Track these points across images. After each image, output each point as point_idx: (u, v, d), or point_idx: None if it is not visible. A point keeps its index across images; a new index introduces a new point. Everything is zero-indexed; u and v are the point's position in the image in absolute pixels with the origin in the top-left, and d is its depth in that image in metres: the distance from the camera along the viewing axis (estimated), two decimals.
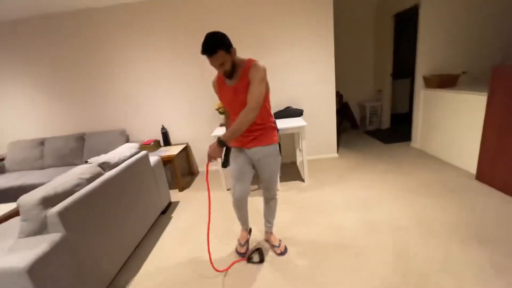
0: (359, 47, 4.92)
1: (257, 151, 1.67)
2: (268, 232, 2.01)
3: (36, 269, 1.19)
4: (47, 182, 2.87)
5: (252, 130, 1.62)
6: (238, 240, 1.99)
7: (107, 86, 3.56)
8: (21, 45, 3.44)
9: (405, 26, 4.68)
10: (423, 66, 3.49)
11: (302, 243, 2.01)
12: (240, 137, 1.65)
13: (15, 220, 1.91)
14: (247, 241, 1.98)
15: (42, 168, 3.48)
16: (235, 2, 3.17)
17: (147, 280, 1.81)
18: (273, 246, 1.96)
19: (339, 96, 4.93)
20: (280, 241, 1.97)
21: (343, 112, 5.03)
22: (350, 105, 5.13)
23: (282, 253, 1.90)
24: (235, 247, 2.03)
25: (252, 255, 1.93)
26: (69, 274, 1.38)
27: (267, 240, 2.04)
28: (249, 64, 1.47)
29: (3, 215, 2.12)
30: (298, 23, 3.32)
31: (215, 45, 1.34)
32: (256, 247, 2.00)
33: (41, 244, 1.28)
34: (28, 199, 1.36)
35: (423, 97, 3.51)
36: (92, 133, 3.57)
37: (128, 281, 1.81)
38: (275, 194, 1.88)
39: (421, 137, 3.65)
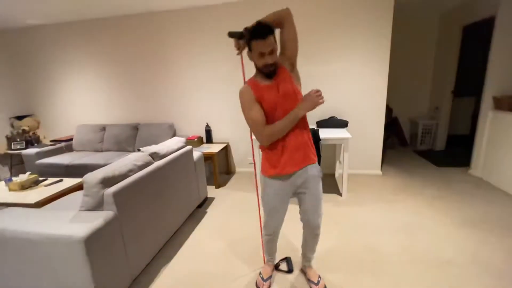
0: (417, 59, 4.57)
1: (301, 173, 1.43)
2: (306, 266, 1.76)
3: (91, 240, 1.35)
4: (104, 163, 3.23)
5: (301, 141, 1.38)
6: (260, 273, 1.76)
7: (162, 83, 3.88)
8: (93, 42, 3.93)
9: (474, 41, 4.22)
10: (494, 85, 3.11)
11: (335, 260, 1.93)
12: (291, 152, 1.38)
13: (78, 194, 2.18)
14: (270, 277, 1.75)
15: (101, 150, 3.92)
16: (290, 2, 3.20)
17: (180, 267, 1.91)
18: (309, 282, 1.70)
19: (388, 109, 4.63)
20: (319, 277, 1.69)
21: (391, 127, 4.71)
22: (400, 120, 4.78)
23: None
24: (257, 273, 1.82)
25: (280, 262, 1.92)
26: (116, 249, 1.54)
27: (303, 272, 1.80)
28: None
29: (69, 187, 2.44)
30: (353, 32, 3.22)
31: (269, 27, 1.25)
32: (285, 256, 1.98)
33: (97, 219, 1.45)
34: (92, 177, 1.54)
35: (490, 119, 3.12)
36: (145, 124, 3.92)
37: (163, 265, 1.94)
38: (319, 228, 1.56)
39: (484, 165, 3.23)
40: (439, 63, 4.42)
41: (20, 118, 4.29)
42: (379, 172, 3.57)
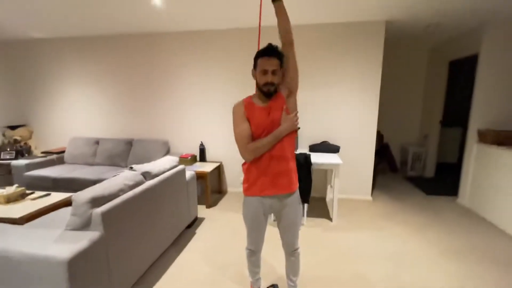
0: (407, 89, 4.77)
1: (281, 199, 1.47)
2: None
3: (74, 262, 1.32)
4: (95, 178, 3.19)
5: (284, 169, 1.43)
6: None
7: (158, 100, 3.94)
8: (92, 57, 4.02)
9: (460, 74, 4.46)
10: (478, 118, 3.25)
11: (321, 286, 1.91)
12: (274, 177, 1.43)
13: (65, 210, 2.14)
14: None
15: (93, 164, 3.88)
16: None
17: None
18: None
19: (379, 136, 4.76)
20: None
21: (382, 153, 4.81)
22: (391, 147, 4.90)
23: None
24: None
25: None
26: (100, 272, 1.50)
27: None
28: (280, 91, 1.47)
29: (56, 202, 2.40)
30: (346, 61, 3.38)
31: (277, 50, 1.36)
32: (272, 283, 1.95)
33: (83, 240, 1.43)
34: (81, 196, 1.54)
35: (475, 151, 3.23)
36: (139, 139, 3.92)
37: None
38: (297, 245, 1.62)
39: (471, 194, 3.31)
40: (428, 94, 4.62)
41: (13, 128, 4.26)
42: (369, 197, 3.61)
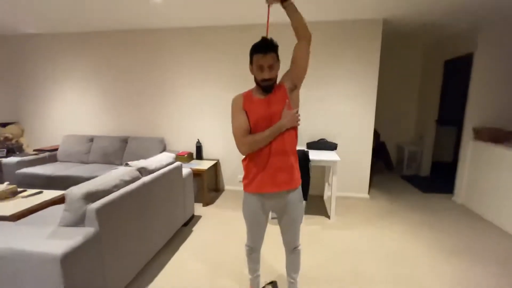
0: (403, 88, 4.81)
1: (282, 196, 1.43)
2: None
3: (68, 258, 1.28)
4: (89, 176, 3.13)
5: (284, 164, 1.38)
6: None
7: (154, 97, 3.89)
8: (88, 53, 3.95)
9: (455, 74, 4.49)
10: (473, 116, 3.28)
11: (320, 284, 1.89)
12: (274, 173, 1.38)
13: (59, 207, 2.09)
14: None
15: (87, 162, 3.80)
16: (276, 29, 3.35)
17: None
18: None
19: (376, 134, 4.77)
20: None
21: (379, 151, 4.83)
22: (387, 145, 4.93)
23: None
24: None
25: (266, 286, 1.86)
26: (94, 269, 1.46)
27: None
28: (280, 83, 1.44)
29: (49, 200, 2.34)
30: (344, 58, 3.38)
31: (272, 44, 1.32)
32: (271, 280, 1.92)
33: (77, 236, 1.38)
34: (75, 192, 1.49)
35: (471, 149, 3.26)
36: (134, 137, 3.86)
37: (144, 287, 1.85)
38: (298, 243, 1.60)
39: (466, 192, 3.33)
40: (424, 93, 4.65)
41: (3, 125, 4.15)
42: (366, 195, 3.61)
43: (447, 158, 5.16)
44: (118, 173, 1.85)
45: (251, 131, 1.38)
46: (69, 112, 4.19)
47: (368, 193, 3.64)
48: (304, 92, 3.45)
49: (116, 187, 1.74)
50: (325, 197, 3.59)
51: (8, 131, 4.09)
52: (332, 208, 2.90)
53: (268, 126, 1.35)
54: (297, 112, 1.39)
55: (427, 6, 2.78)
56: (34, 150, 3.97)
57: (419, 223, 2.85)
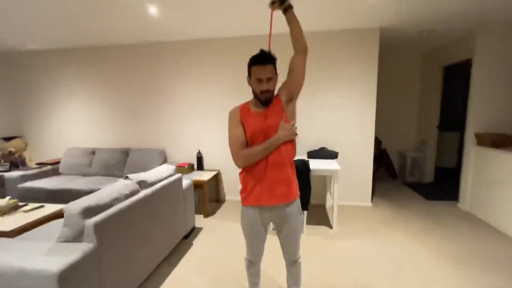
0: (403, 95, 4.81)
1: (281, 209, 1.41)
2: None
3: (65, 275, 1.27)
4: (90, 188, 3.14)
5: (281, 177, 1.37)
6: None
7: (155, 109, 3.93)
8: (87, 68, 4.04)
9: (455, 79, 4.50)
10: (475, 122, 3.26)
11: None
12: (271, 186, 1.36)
13: (59, 222, 2.08)
14: None
15: (88, 175, 3.82)
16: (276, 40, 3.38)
17: None
18: None
19: (377, 142, 4.75)
20: None
21: (381, 159, 4.80)
22: (389, 152, 4.89)
23: None
24: None
25: None
26: (93, 283, 1.44)
27: None
28: (276, 95, 1.45)
29: (50, 214, 2.34)
30: (342, 67, 3.41)
31: (271, 56, 1.33)
32: None
33: (74, 252, 1.37)
34: (73, 207, 1.49)
35: (474, 154, 3.22)
36: (136, 149, 3.88)
37: None
38: (298, 255, 1.56)
39: (471, 199, 3.28)
40: (424, 99, 4.65)
41: (7, 139, 4.21)
42: (369, 204, 3.56)
43: (451, 164, 5.09)
44: (117, 186, 1.85)
45: (248, 144, 1.38)
46: (71, 126, 4.24)
47: (371, 201, 3.60)
48: (304, 101, 3.50)
49: (116, 201, 1.74)
50: (327, 206, 3.55)
51: (11, 145, 4.14)
52: (334, 218, 2.86)
53: (264, 139, 1.35)
54: (294, 124, 1.39)
55: (422, 15, 2.81)
56: (37, 164, 4.01)
57: (423, 231, 2.79)
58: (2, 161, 3.88)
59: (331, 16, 2.90)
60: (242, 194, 1.46)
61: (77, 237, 1.48)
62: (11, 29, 3.14)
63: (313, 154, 3.31)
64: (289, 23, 1.34)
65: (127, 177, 2.15)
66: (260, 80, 1.32)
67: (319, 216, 3.25)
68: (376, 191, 4.06)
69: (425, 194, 3.95)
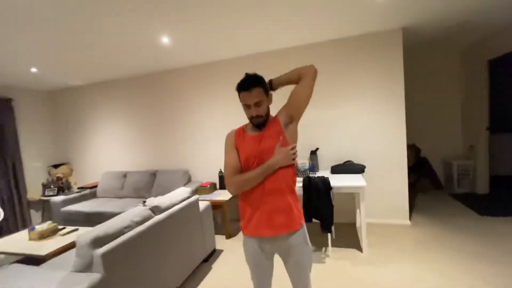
0: (442, 96, 4.33)
1: (282, 240, 1.28)
2: None
3: None
4: (119, 211, 3.30)
5: (280, 204, 1.25)
6: None
7: (179, 131, 4.10)
8: (120, 97, 4.39)
9: (504, 73, 3.92)
10: None
11: None
12: (269, 214, 1.26)
13: None
14: None
15: (121, 197, 4.07)
16: (294, 52, 3.30)
17: None
18: None
19: (415, 150, 4.30)
20: None
21: (421, 168, 4.31)
22: (431, 161, 4.38)
23: None
24: None
25: None
26: None
27: None
28: (275, 117, 1.37)
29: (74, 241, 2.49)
30: (365, 74, 3.20)
31: (255, 80, 1.27)
32: None
33: (82, 283, 1.41)
34: (84, 237, 1.55)
35: None
36: (162, 170, 4.05)
37: None
38: None
39: None
40: (468, 99, 4.11)
41: (56, 166, 4.72)
42: (407, 221, 3.17)
43: (507, 171, 4.36)
44: (130, 214, 1.89)
45: (242, 169, 1.31)
46: (107, 151, 4.61)
47: (410, 219, 3.20)
48: (325, 113, 3.34)
49: (127, 228, 1.78)
50: (357, 225, 3.24)
51: (59, 172, 4.62)
52: (363, 240, 2.59)
53: (259, 163, 1.26)
54: (294, 148, 1.28)
55: (446, 11, 2.52)
56: (78, 188, 4.40)
57: (474, 255, 2.36)
58: (52, 186, 4.34)
59: (347, 22, 2.77)
60: (241, 223, 1.38)
61: (87, 267, 1.53)
62: (56, 69, 3.59)
63: (337, 169, 3.08)
64: (288, 84, 1.39)
65: (144, 202, 2.21)
66: (247, 106, 1.28)
67: (348, 237, 2.98)
68: (416, 206, 3.61)
69: (477, 208, 3.39)
